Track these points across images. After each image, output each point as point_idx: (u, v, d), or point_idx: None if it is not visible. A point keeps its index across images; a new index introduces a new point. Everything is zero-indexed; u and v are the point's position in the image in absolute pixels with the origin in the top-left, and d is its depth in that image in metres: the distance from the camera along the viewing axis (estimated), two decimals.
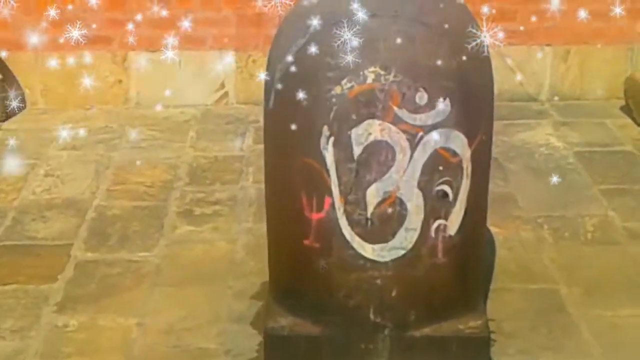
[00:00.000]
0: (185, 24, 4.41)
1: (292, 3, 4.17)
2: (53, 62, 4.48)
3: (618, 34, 4.42)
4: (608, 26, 4.39)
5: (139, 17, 4.41)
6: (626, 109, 4.32)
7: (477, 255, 2.54)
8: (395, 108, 2.25)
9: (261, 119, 4.25)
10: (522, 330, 2.71)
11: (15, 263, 3.18)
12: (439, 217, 2.36)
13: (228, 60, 4.53)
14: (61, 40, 4.42)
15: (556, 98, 4.47)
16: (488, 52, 2.39)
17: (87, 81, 4.49)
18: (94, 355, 2.67)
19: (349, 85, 2.25)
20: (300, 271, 2.45)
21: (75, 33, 4.43)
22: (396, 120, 2.25)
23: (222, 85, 4.57)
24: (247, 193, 3.66)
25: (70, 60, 4.44)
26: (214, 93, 4.58)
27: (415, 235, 2.35)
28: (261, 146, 3.91)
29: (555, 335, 2.68)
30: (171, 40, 4.42)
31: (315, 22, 2.30)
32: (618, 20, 4.37)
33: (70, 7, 4.40)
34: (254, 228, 3.34)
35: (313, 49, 2.27)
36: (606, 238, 3.23)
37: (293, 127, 2.31)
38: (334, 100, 2.26)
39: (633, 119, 4.22)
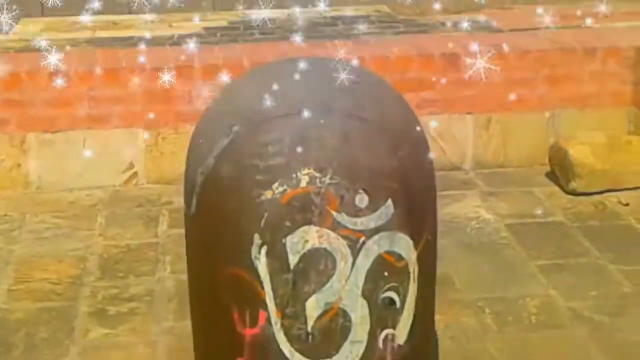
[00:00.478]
0: (88, 102, 4.17)
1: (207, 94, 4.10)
2: None
3: (539, 101, 4.34)
4: (529, 93, 4.32)
5: (36, 96, 4.14)
6: (551, 176, 4.23)
7: None
8: (333, 212, 2.04)
9: (175, 200, 4.12)
10: None
11: None
12: (386, 327, 2.14)
13: (136, 138, 4.27)
14: None
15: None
16: (428, 145, 2.23)
17: None
18: None
19: (281, 189, 2.03)
20: None
21: None
22: (335, 226, 2.04)
23: (131, 165, 4.30)
24: (165, 286, 3.37)
25: None
26: (122, 173, 4.31)
27: (361, 348, 2.13)
28: (177, 231, 3.74)
29: None
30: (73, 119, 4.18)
31: (239, 119, 2.09)
32: (538, 87, 4.33)
33: None
34: (175, 327, 3.06)
35: (238, 150, 2.06)
36: (551, 321, 3.07)
37: (219, 235, 2.08)
38: (265, 206, 2.04)
39: (560, 186, 4.13)
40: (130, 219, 3.98)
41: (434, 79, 4.27)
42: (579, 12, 4.92)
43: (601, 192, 4.05)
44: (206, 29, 5.30)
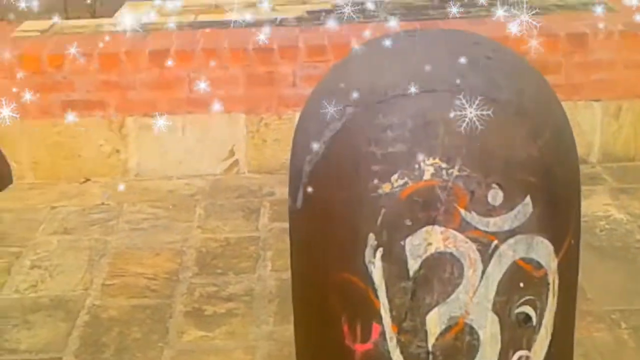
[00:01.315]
0: (188, 84, 3.96)
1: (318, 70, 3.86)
2: (42, 132, 4.04)
3: None
4: None
5: (137, 78, 3.96)
6: None
7: None
8: (462, 211, 1.73)
9: (277, 191, 3.90)
10: None
11: None
12: (520, 348, 1.83)
13: (237, 124, 4.04)
14: (50, 107, 4.02)
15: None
16: (572, 133, 1.90)
17: (80, 152, 4.05)
18: None
19: (401, 182, 1.74)
20: None
21: (67, 98, 4.01)
22: (463, 226, 1.74)
23: (232, 153, 4.09)
24: (265, 285, 3.16)
25: (61, 127, 4.01)
26: (223, 161, 4.10)
27: None
28: (279, 224, 3.53)
29: None
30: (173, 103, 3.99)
31: (353, 100, 1.80)
32: None
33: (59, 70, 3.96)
34: (276, 332, 2.86)
35: (352, 135, 1.77)
36: None
37: (328, 234, 1.80)
38: (381, 201, 1.75)
39: None
40: (230, 210, 3.79)
41: (558, 60, 3.91)
42: None
43: None
44: (311, 12, 5.04)
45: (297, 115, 2.08)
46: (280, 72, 3.95)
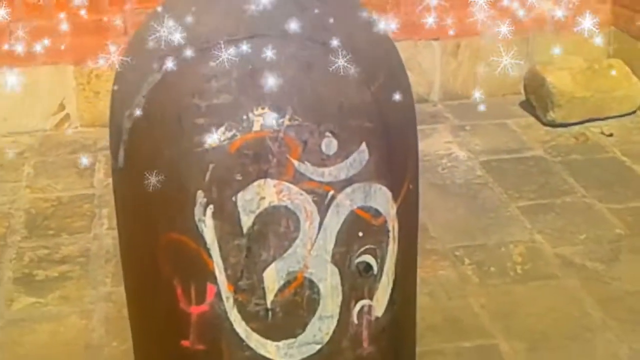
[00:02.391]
0: (9, 34, 3.72)
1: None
2: None
3: (512, 24, 3.98)
4: (502, 16, 3.95)
5: None
6: (527, 106, 3.95)
7: (411, 336, 2.01)
8: (294, 162, 1.66)
9: None
10: None
11: None
12: (361, 297, 1.79)
13: (66, 76, 3.83)
14: None
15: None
16: (407, 75, 1.85)
17: None
18: None
19: (228, 134, 1.65)
20: None
21: None
22: (297, 178, 1.67)
23: (62, 107, 3.89)
24: (102, 244, 3.05)
25: None
26: (52, 116, 3.89)
27: (332, 324, 1.78)
28: None
29: None
30: None
31: (173, 48, 1.68)
32: (511, 9, 3.96)
33: None
34: (113, 292, 2.75)
35: (173, 87, 1.66)
36: (538, 271, 2.82)
37: (154, 194, 1.69)
38: (209, 156, 1.65)
39: (536, 117, 3.85)
40: (62, 167, 3.63)
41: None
42: None
43: (582, 122, 3.80)
44: None
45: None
46: (110, 18, 3.75)
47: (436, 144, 3.65)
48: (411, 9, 3.91)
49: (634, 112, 3.84)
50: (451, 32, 3.93)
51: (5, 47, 3.74)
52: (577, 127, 3.76)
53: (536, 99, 3.81)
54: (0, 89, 3.76)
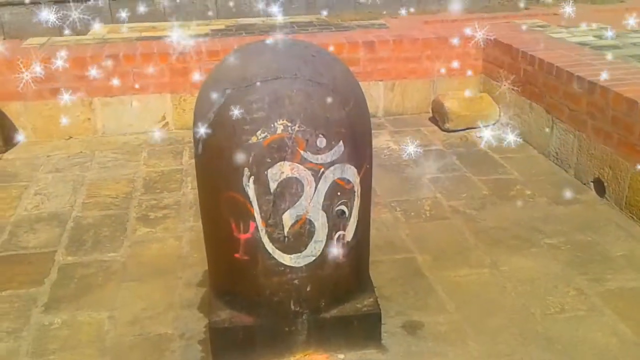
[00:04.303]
0: (132, 76, 3.64)
1: (208, 64, 3.61)
2: (39, 108, 3.62)
3: (425, 72, 3.94)
4: (418, 66, 3.91)
5: (97, 72, 3.60)
6: (433, 120, 3.86)
7: (366, 251, 1.98)
8: (301, 151, 1.63)
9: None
10: (396, 294, 2.17)
11: (10, 271, 2.38)
12: (339, 229, 1.78)
13: (166, 100, 3.76)
14: (43, 92, 3.62)
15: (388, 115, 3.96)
16: (366, 101, 1.81)
17: (64, 120, 3.67)
18: (74, 350, 1.96)
19: (263, 135, 1.61)
20: (234, 278, 1.82)
21: (53, 86, 3.62)
22: (303, 161, 1.64)
23: (164, 117, 3.80)
24: (187, 198, 2.95)
25: (51, 105, 3.62)
26: (158, 123, 3.81)
27: (322, 245, 1.76)
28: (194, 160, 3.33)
29: (421, 297, 2.16)
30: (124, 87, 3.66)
31: (230, 84, 1.64)
32: (424, 62, 3.92)
33: (46, 67, 3.55)
34: (194, 226, 2.66)
35: (230, 107, 1.62)
36: (439, 215, 2.74)
37: (219, 169, 1.66)
38: (251, 147, 1.63)
39: (438, 126, 3.77)
40: (164, 153, 3.52)
41: (358, 57, 3.82)
42: (442, 18, 4.50)
43: (464, 129, 3.71)
44: (212, 30, 4.75)
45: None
46: (191, 67, 3.67)
47: (381, 142, 3.57)
48: (368, 64, 3.86)
49: (494, 123, 3.80)
50: (389, 76, 3.92)
51: (130, 83, 3.69)
52: (462, 132, 3.70)
53: (438, 115, 3.75)
54: (127, 106, 3.75)
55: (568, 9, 4.79)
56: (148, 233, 2.64)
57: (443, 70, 3.92)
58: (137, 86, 3.65)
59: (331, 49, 3.71)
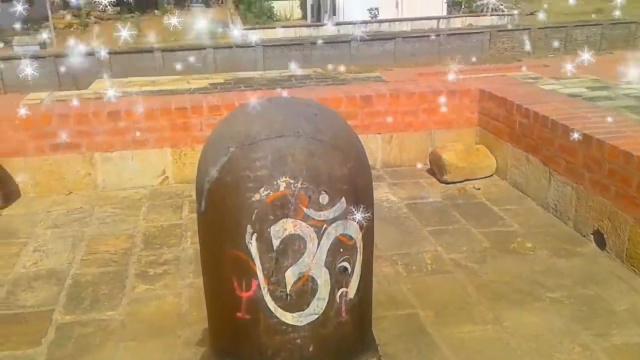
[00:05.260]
0: (134, 132, 3.69)
1: (213, 120, 3.67)
2: (39, 163, 3.64)
3: (421, 124, 4.00)
4: (415, 120, 3.98)
5: (99, 129, 3.64)
6: (431, 172, 3.89)
7: (369, 308, 1.96)
8: (304, 208, 1.64)
9: (194, 195, 3.66)
10: (400, 352, 2.13)
11: (7, 331, 2.33)
12: (341, 286, 1.77)
13: (166, 154, 3.79)
14: (43, 147, 3.65)
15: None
16: (367, 157, 1.84)
17: (65, 175, 3.69)
18: None
19: (266, 192, 1.63)
20: (236, 337, 1.79)
21: (53, 142, 3.66)
22: (305, 218, 1.66)
23: (164, 172, 3.82)
24: (187, 254, 2.93)
25: (52, 160, 3.64)
26: (158, 177, 3.82)
27: (324, 303, 1.75)
28: (194, 215, 3.31)
29: (424, 354, 2.12)
30: (124, 143, 3.69)
31: (234, 142, 1.67)
32: (420, 115, 3.99)
33: (49, 124, 3.59)
34: (194, 282, 2.63)
35: (234, 165, 1.64)
36: (440, 268, 2.72)
37: (222, 226, 1.66)
38: (255, 204, 1.64)
39: (437, 178, 3.79)
40: (163, 207, 3.51)
41: (356, 111, 3.89)
42: (430, 71, 4.61)
43: (462, 181, 3.74)
44: (211, 84, 4.85)
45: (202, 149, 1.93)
46: (192, 122, 3.72)
47: (380, 194, 3.59)
48: (366, 117, 3.92)
49: (491, 175, 3.83)
50: (387, 129, 3.97)
51: (130, 138, 3.73)
52: (460, 184, 3.73)
53: (436, 167, 3.78)
54: (127, 161, 3.77)
55: (557, 61, 4.93)
56: (147, 290, 2.60)
57: (439, 124, 4.00)
58: (138, 134, 3.68)
59: (326, 103, 3.78)
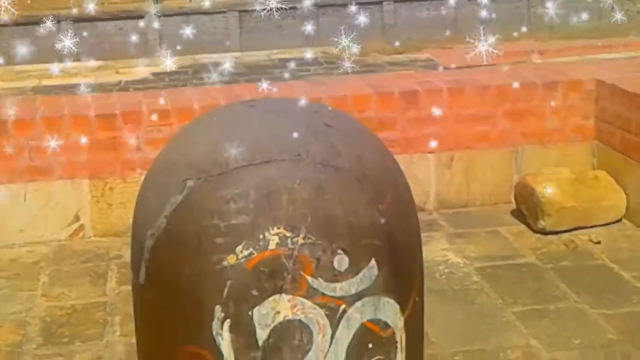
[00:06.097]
0: (29, 154, 3.76)
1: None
2: None
3: (501, 137, 4.06)
4: (490, 129, 4.04)
5: None
6: (518, 214, 3.93)
7: None
8: (308, 278, 1.67)
9: (125, 254, 3.71)
10: None
11: None
12: None
13: (81, 189, 3.85)
14: None
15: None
16: (411, 194, 1.88)
17: None
18: None
19: (246, 253, 1.66)
20: None
21: None
22: (310, 293, 1.68)
23: (77, 218, 3.88)
24: (114, 351, 2.97)
25: None
26: (67, 227, 3.88)
27: None
28: (127, 287, 3.34)
29: None
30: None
31: (194, 171, 1.72)
32: (500, 122, 4.05)
33: None
34: None
35: (194, 208, 1.68)
36: None
37: (174, 309, 1.70)
38: (227, 273, 1.67)
39: (527, 224, 3.83)
40: (76, 276, 3.56)
41: (393, 117, 3.96)
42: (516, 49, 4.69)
43: (570, 230, 3.77)
44: (155, 74, 4.96)
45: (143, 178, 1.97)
46: (123, 137, 3.79)
47: (433, 251, 3.61)
48: (409, 127, 3.98)
49: (620, 220, 3.85)
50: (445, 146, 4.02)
51: (23, 165, 3.79)
52: (566, 235, 3.74)
53: (526, 208, 3.82)
54: (18, 201, 3.83)
55: None
56: None
57: (531, 136, 4.04)
58: (35, 168, 3.74)
59: (344, 105, 3.83)
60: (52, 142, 3.74)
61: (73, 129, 3.80)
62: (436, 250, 3.65)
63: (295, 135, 1.72)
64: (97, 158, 3.82)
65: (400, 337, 1.78)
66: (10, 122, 3.76)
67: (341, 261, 1.68)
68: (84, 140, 3.78)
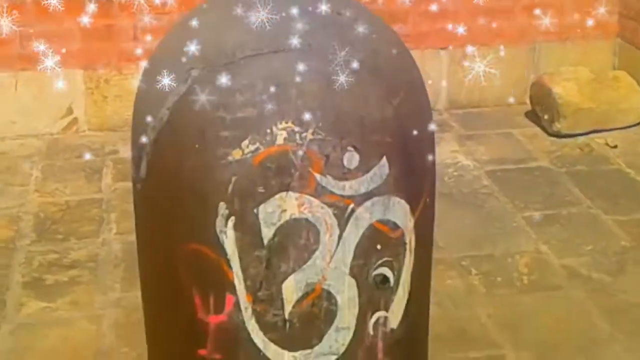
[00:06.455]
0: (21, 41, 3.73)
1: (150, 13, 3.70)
2: None
3: (518, 32, 4.01)
4: (508, 24, 3.99)
5: None
6: (532, 116, 3.96)
7: (423, 347, 2.01)
8: (317, 175, 1.68)
9: (121, 149, 3.73)
10: None
11: None
12: (377, 309, 1.80)
13: (75, 80, 3.84)
14: None
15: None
16: (426, 91, 1.87)
17: None
18: None
19: (252, 147, 1.66)
20: None
21: None
22: (319, 191, 1.68)
23: (70, 110, 3.89)
24: (110, 249, 3.04)
25: None
26: (61, 120, 3.89)
27: (348, 336, 1.79)
28: (124, 184, 3.38)
29: None
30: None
31: (198, 61, 1.70)
32: (517, 16, 4.00)
33: None
34: (123, 298, 2.74)
35: (198, 100, 1.67)
36: (545, 282, 2.82)
37: (176, 204, 1.72)
38: (232, 168, 1.67)
39: (542, 127, 3.85)
40: (70, 171, 3.62)
41: (403, 9, 3.91)
42: None
43: (587, 133, 3.80)
44: None
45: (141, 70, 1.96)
46: (119, 24, 3.75)
47: (443, 153, 3.63)
48: (420, 20, 3.94)
49: (638, 123, 3.86)
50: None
51: (15, 51, 3.77)
52: (582, 138, 3.77)
53: (542, 109, 3.83)
54: (8, 91, 3.82)
55: None
56: (43, 310, 2.69)
57: (550, 31, 4.00)
58: (27, 56, 3.71)
59: None
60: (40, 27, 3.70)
61: (65, 12, 3.74)
62: (446, 152, 3.68)
63: (304, 24, 1.70)
64: (90, 47, 3.79)
65: (410, 238, 1.80)
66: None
67: (351, 158, 1.68)
68: (75, 26, 3.73)
